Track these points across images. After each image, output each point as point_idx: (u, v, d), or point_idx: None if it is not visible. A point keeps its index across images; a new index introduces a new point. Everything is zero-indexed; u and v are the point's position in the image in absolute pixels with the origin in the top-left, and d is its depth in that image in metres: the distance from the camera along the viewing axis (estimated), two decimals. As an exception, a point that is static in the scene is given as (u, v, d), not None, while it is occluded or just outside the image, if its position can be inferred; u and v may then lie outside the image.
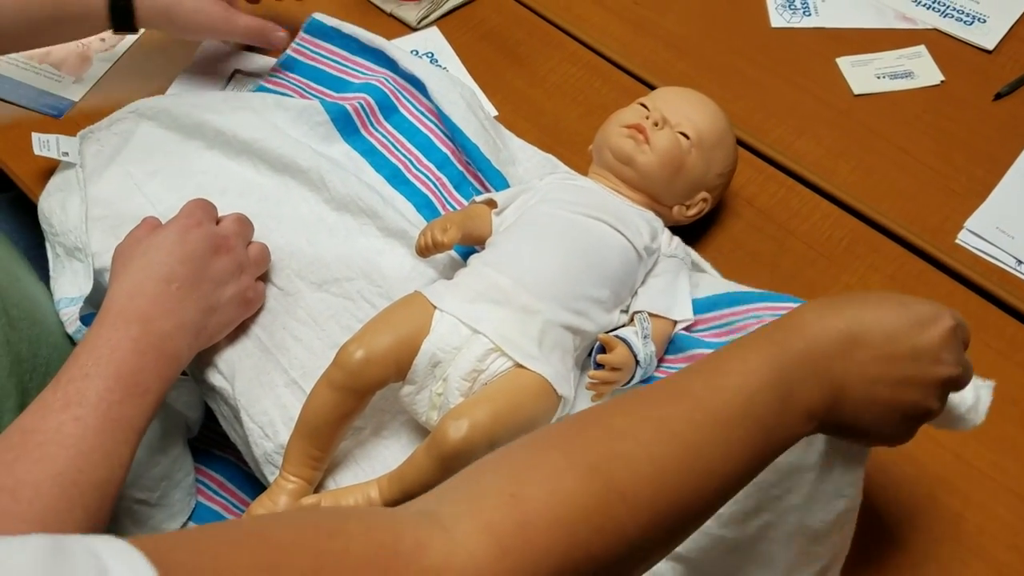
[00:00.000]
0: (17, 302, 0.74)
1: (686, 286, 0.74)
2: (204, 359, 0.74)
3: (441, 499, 0.45)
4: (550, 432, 0.50)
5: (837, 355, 0.51)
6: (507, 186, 0.83)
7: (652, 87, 0.97)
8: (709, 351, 0.70)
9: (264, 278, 0.77)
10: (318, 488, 0.68)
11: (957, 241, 0.85)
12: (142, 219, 0.74)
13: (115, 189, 0.84)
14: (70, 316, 0.78)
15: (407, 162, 0.88)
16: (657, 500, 0.46)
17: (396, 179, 0.87)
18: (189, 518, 0.79)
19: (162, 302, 0.67)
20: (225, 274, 0.72)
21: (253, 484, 0.77)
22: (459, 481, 0.46)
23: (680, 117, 0.76)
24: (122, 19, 0.82)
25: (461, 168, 0.87)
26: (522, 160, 0.88)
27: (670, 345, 0.72)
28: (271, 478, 0.69)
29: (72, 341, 0.78)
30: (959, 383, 0.55)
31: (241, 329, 0.75)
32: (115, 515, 0.75)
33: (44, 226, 0.83)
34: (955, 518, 0.70)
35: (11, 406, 0.69)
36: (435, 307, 0.67)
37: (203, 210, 0.74)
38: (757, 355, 0.51)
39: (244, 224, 0.76)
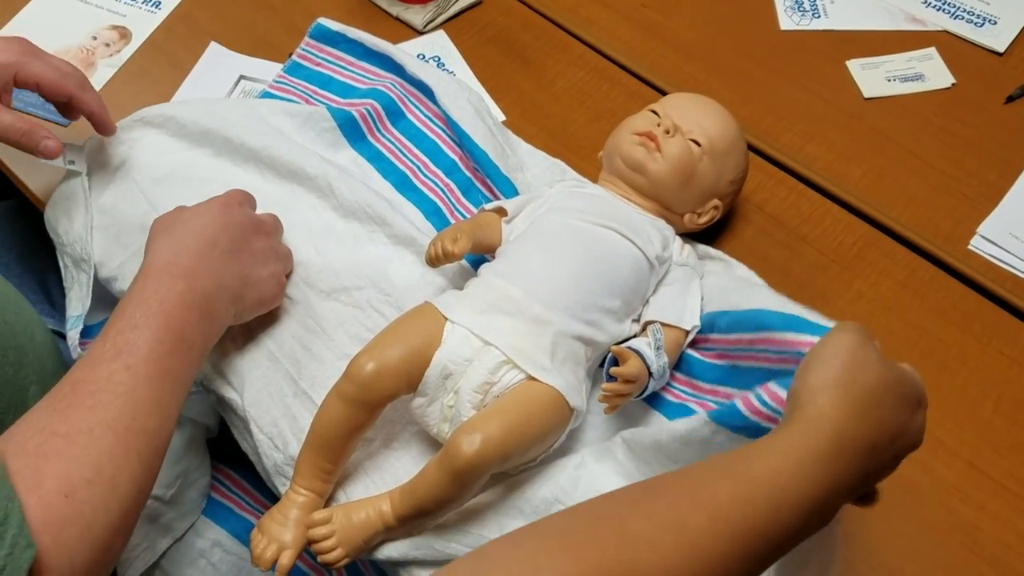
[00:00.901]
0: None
1: (697, 295, 0.74)
2: (214, 369, 0.74)
3: None
4: (562, 526, 0.48)
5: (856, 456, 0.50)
6: (516, 192, 0.83)
7: (660, 91, 0.96)
8: (705, 384, 0.71)
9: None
10: (329, 501, 0.67)
11: (970, 247, 0.85)
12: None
13: (120, 198, 0.83)
14: (73, 342, 0.77)
15: (415, 168, 0.87)
16: None
17: (404, 186, 0.86)
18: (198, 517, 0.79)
19: (206, 262, 0.67)
20: (263, 253, 0.73)
21: (264, 486, 0.76)
22: (465, 570, 0.45)
23: (691, 124, 0.75)
24: None
25: (469, 174, 0.87)
26: (530, 166, 0.87)
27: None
28: (282, 489, 0.68)
29: (64, 365, 0.78)
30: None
31: (250, 338, 0.75)
32: None
33: (52, 236, 0.83)
34: (970, 528, 0.70)
35: None
36: (446, 318, 0.67)
37: (243, 195, 0.76)
38: (785, 460, 0.49)
39: (278, 220, 0.78)
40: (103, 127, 0.83)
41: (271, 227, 0.76)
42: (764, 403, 0.60)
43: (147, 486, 0.59)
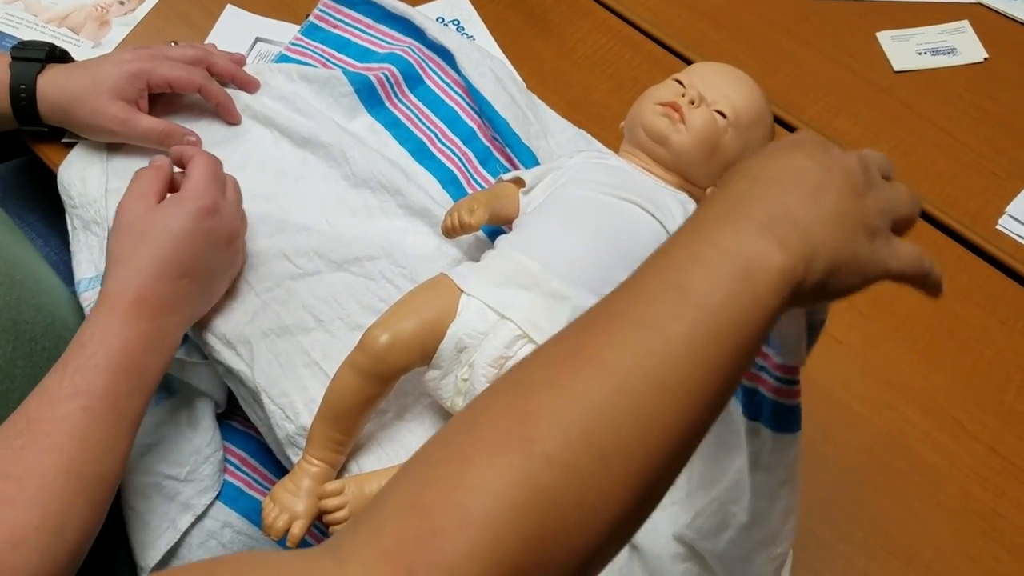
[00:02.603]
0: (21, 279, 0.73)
1: None
2: (222, 340, 0.73)
3: (347, 529, 0.37)
4: (448, 426, 0.40)
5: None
6: (536, 162, 0.81)
7: (685, 59, 0.94)
8: None
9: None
10: (341, 472, 0.67)
11: (998, 227, 0.83)
12: (150, 163, 0.72)
13: (133, 161, 0.82)
14: (90, 302, 0.76)
15: (432, 136, 0.86)
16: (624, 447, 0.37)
17: (420, 153, 0.85)
18: (218, 495, 0.79)
19: (171, 298, 0.66)
20: (228, 261, 0.72)
21: (276, 461, 0.76)
22: (367, 504, 0.39)
23: (717, 95, 0.73)
24: (26, 117, 0.80)
25: (487, 143, 0.85)
26: (555, 132, 0.85)
27: None
28: (294, 459, 0.68)
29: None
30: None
31: (260, 308, 0.74)
32: (146, 491, 0.75)
33: (64, 197, 0.82)
34: (988, 513, 0.69)
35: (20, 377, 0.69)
36: (461, 291, 0.66)
37: (216, 185, 0.71)
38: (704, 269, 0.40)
39: (237, 188, 0.75)
40: (229, 115, 0.85)
41: (240, 221, 0.74)
42: None
43: (93, 531, 0.59)
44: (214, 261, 0.70)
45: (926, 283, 0.47)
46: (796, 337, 0.51)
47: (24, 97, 0.79)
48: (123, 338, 0.62)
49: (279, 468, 0.73)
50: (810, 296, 0.42)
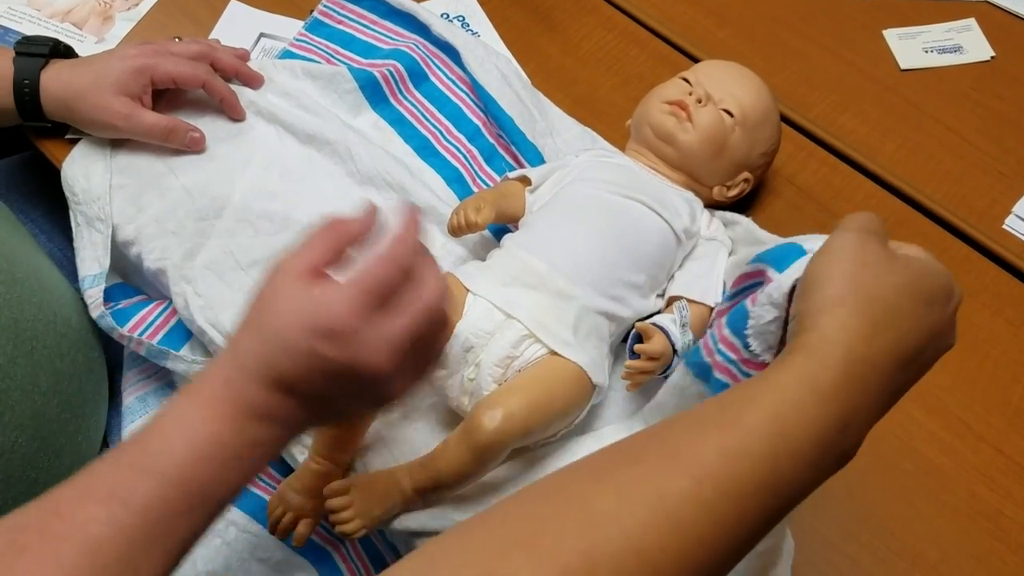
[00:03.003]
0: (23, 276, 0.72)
1: (722, 270, 0.72)
2: (225, 335, 0.73)
3: None
4: (518, 514, 0.39)
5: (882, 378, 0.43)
6: (542, 160, 0.81)
7: (690, 56, 0.94)
8: None
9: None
10: (347, 471, 0.67)
11: (1004, 226, 0.82)
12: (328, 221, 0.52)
13: (135, 157, 0.82)
14: (94, 299, 0.76)
15: (437, 133, 0.86)
16: None
17: (425, 151, 0.85)
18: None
19: (268, 408, 0.49)
20: (360, 401, 0.53)
21: (282, 459, 0.75)
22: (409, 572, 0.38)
23: (724, 93, 0.73)
24: (30, 113, 0.80)
25: (493, 141, 0.85)
26: (561, 131, 0.85)
27: None
28: (300, 459, 0.68)
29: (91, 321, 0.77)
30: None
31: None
32: None
33: (67, 194, 0.82)
34: (994, 514, 0.69)
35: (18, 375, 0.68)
36: (467, 290, 0.66)
37: (373, 300, 0.48)
38: (783, 399, 0.41)
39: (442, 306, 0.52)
40: (233, 111, 0.84)
41: (382, 353, 0.48)
42: (716, 344, 0.55)
43: None
44: (332, 391, 0.50)
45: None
46: (775, 334, 0.51)
47: (28, 92, 0.79)
48: (196, 434, 0.47)
49: (285, 466, 0.73)
50: None
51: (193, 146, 0.82)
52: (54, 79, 0.79)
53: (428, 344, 0.52)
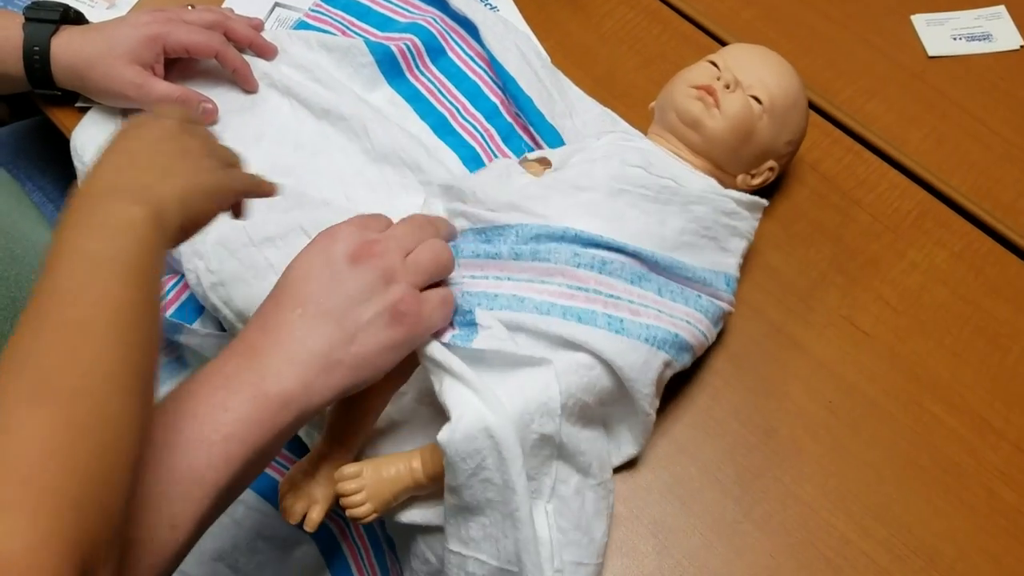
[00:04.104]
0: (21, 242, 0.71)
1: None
2: (235, 312, 0.72)
3: None
4: None
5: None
6: (560, 141, 0.79)
7: (714, 36, 0.92)
8: None
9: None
10: (359, 455, 0.66)
11: (1031, 220, 0.81)
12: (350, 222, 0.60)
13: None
14: None
15: (454, 110, 0.84)
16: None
17: (442, 128, 0.83)
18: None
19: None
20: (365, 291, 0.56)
21: (294, 437, 0.75)
22: None
23: (752, 79, 0.71)
24: (39, 80, 0.78)
25: (511, 120, 0.83)
26: (580, 112, 0.83)
27: None
28: (310, 442, 0.67)
29: None
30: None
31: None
32: None
33: (76, 163, 0.80)
34: (1012, 513, 0.68)
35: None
36: (485, 274, 0.64)
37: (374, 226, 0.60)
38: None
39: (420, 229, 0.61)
40: (246, 82, 0.82)
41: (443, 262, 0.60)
42: None
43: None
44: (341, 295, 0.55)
45: (260, 190, 0.59)
46: None
47: (38, 60, 0.77)
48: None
49: (297, 445, 0.72)
50: (184, 225, 0.52)
51: (206, 117, 0.80)
52: (64, 46, 0.77)
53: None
